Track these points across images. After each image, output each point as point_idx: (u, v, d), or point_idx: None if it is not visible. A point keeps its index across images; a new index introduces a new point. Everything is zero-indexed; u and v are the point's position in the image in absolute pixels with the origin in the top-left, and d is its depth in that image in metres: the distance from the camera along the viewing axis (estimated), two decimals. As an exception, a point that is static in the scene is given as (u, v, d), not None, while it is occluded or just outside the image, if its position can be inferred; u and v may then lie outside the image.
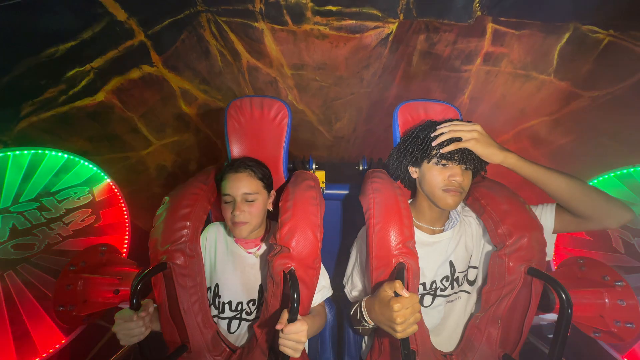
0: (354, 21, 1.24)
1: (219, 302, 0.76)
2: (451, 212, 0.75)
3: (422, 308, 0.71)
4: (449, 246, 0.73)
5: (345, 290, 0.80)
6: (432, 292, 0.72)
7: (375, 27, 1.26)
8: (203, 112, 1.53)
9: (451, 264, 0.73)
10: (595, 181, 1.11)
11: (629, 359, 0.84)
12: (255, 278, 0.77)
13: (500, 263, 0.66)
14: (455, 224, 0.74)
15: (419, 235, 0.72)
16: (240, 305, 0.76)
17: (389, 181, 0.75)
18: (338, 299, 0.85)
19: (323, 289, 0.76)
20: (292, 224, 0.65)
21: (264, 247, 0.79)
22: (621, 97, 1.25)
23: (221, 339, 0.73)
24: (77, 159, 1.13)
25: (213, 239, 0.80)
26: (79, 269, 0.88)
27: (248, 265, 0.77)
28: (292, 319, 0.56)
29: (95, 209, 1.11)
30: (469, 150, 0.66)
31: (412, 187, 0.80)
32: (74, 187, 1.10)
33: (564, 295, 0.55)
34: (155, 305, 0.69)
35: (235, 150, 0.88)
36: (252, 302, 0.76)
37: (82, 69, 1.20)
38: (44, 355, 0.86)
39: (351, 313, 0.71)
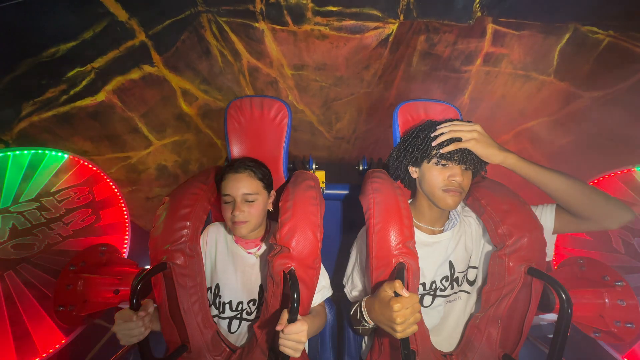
0: (354, 22, 1.25)
1: (219, 302, 0.76)
2: (451, 212, 0.75)
3: (422, 308, 0.71)
4: (448, 246, 0.73)
5: (345, 290, 0.79)
6: (432, 292, 0.72)
7: (376, 28, 1.26)
8: (203, 112, 1.54)
9: (451, 264, 0.73)
10: (595, 181, 1.11)
11: (629, 359, 0.84)
12: (255, 278, 0.77)
13: (500, 263, 0.66)
14: (455, 224, 0.74)
15: (418, 235, 0.72)
16: (240, 305, 0.76)
17: (389, 181, 0.75)
18: (338, 299, 0.85)
19: (323, 289, 0.76)
20: (292, 224, 0.65)
21: (264, 247, 0.79)
22: (621, 97, 1.25)
23: (221, 339, 0.73)
24: (77, 158, 1.13)
25: (213, 239, 0.80)
26: (79, 269, 0.88)
27: (248, 265, 0.77)
28: (292, 319, 0.56)
29: (95, 209, 1.11)
30: (469, 151, 0.66)
31: (412, 187, 0.80)
32: (74, 187, 1.10)
33: (564, 295, 0.55)
34: (155, 305, 0.69)
35: (235, 150, 0.88)
36: (252, 302, 0.76)
37: (83, 69, 1.20)
38: (44, 355, 0.86)
39: (351, 313, 0.71)
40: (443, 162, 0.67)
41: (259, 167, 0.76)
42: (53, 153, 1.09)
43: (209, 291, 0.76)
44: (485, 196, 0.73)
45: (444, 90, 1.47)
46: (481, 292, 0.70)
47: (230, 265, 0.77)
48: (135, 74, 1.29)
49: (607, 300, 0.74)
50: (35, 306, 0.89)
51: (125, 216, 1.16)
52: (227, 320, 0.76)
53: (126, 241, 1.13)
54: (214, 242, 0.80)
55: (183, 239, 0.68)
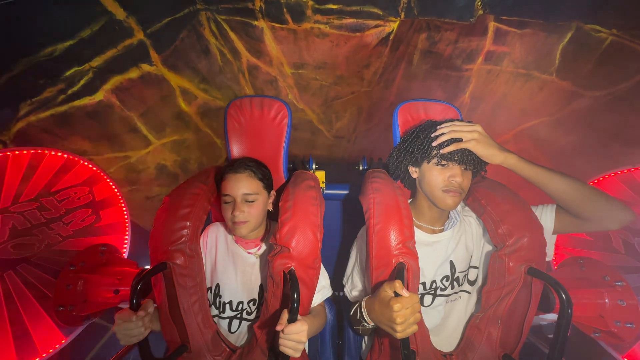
0: (354, 20, 1.24)
1: (219, 302, 0.76)
2: (451, 212, 0.75)
3: (422, 308, 0.71)
4: (449, 246, 0.73)
5: (345, 290, 0.80)
6: (432, 292, 0.72)
7: (376, 26, 1.25)
8: (203, 111, 1.53)
9: (451, 264, 0.73)
10: (596, 181, 1.11)
11: (629, 359, 0.84)
12: (255, 278, 0.77)
13: (500, 263, 0.66)
14: (455, 223, 0.74)
15: (418, 234, 0.72)
16: (240, 305, 0.76)
17: (389, 181, 0.75)
18: (338, 299, 0.85)
19: (323, 289, 0.76)
20: (292, 224, 0.65)
21: (264, 247, 0.79)
22: (623, 96, 1.24)
23: (221, 339, 0.73)
24: (77, 158, 1.12)
25: (213, 239, 0.80)
26: (79, 269, 0.88)
27: (248, 265, 0.77)
28: (292, 319, 0.56)
29: (95, 209, 1.11)
30: (469, 151, 0.65)
31: (412, 187, 0.79)
32: (74, 187, 1.09)
33: (564, 295, 0.55)
34: (155, 305, 0.69)
35: (235, 150, 0.87)
36: (252, 302, 0.76)
37: (81, 68, 1.19)
38: (44, 355, 0.87)
39: (351, 313, 0.71)
40: (443, 162, 0.67)
41: (259, 167, 0.76)
42: (53, 153, 1.09)
43: (209, 291, 0.76)
44: (485, 196, 0.73)
45: (445, 88, 1.46)
46: (481, 292, 0.70)
47: (231, 265, 0.77)
48: (133, 73, 1.28)
49: (607, 300, 0.74)
50: (35, 306, 0.89)
51: (125, 216, 1.16)
52: (228, 320, 0.76)
53: (126, 241, 1.13)
54: (214, 242, 0.79)
55: (183, 239, 0.68)
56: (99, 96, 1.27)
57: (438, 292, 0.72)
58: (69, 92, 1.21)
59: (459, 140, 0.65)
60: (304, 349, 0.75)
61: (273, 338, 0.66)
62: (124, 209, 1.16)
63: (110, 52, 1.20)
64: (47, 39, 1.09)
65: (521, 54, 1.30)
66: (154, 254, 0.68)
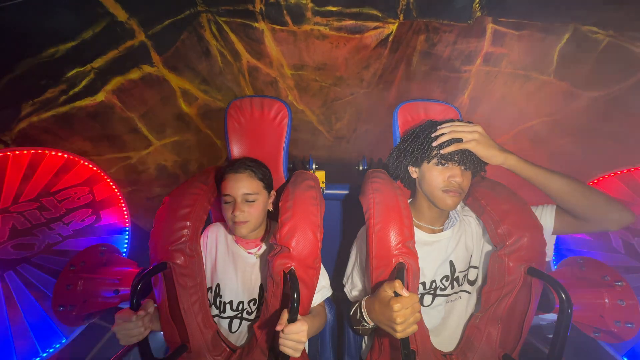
0: (354, 21, 1.25)
1: (220, 302, 0.76)
2: (450, 212, 0.75)
3: (422, 308, 0.71)
4: (448, 245, 0.73)
5: (345, 290, 0.79)
6: (432, 292, 0.72)
7: (376, 28, 1.26)
8: (203, 112, 1.54)
9: (451, 264, 0.73)
10: (595, 181, 1.11)
11: (629, 359, 0.84)
12: (255, 278, 0.77)
13: (500, 263, 0.66)
14: (455, 223, 0.74)
15: (418, 234, 0.72)
16: (241, 305, 0.76)
17: (389, 181, 0.75)
18: (338, 299, 0.85)
19: (323, 289, 0.76)
20: (292, 224, 0.65)
21: (264, 247, 0.79)
22: (621, 97, 1.25)
23: (221, 339, 0.73)
24: (77, 158, 1.12)
25: (214, 239, 0.80)
26: (79, 269, 0.88)
27: (249, 265, 0.77)
28: (292, 319, 0.56)
29: (95, 209, 1.11)
30: (469, 151, 0.66)
31: (412, 187, 0.80)
32: (74, 187, 1.09)
33: (563, 295, 0.55)
34: (155, 305, 0.69)
35: (235, 150, 0.88)
36: (252, 302, 0.76)
37: (83, 69, 1.20)
38: (44, 355, 0.86)
39: (351, 313, 0.71)
40: (443, 162, 0.67)
41: (259, 167, 0.76)
42: (53, 153, 1.09)
43: (210, 291, 0.76)
44: (485, 196, 0.73)
45: (443, 90, 1.47)
46: (481, 292, 0.70)
47: (231, 265, 0.77)
48: (134, 74, 1.29)
49: (607, 300, 0.74)
50: (35, 306, 0.89)
51: (125, 216, 1.16)
52: (228, 320, 0.76)
53: (126, 241, 1.13)
54: (214, 242, 0.80)
55: (183, 239, 0.68)
56: (100, 97, 1.28)
57: (438, 292, 0.72)
58: (71, 92, 1.22)
59: (459, 140, 0.65)
60: (304, 349, 0.75)
61: (273, 338, 0.66)
62: (124, 209, 1.16)
63: (111, 53, 1.21)
64: (49, 40, 1.10)
65: (519, 55, 1.31)
66: (154, 254, 0.69)
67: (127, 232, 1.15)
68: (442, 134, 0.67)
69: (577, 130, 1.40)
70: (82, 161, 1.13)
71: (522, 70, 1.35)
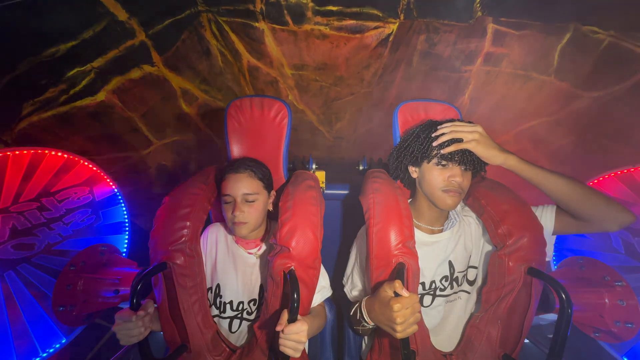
0: (354, 21, 1.24)
1: (220, 302, 0.76)
2: (450, 212, 0.75)
3: (422, 308, 0.71)
4: (448, 246, 0.73)
5: (345, 290, 0.80)
6: (432, 292, 0.72)
7: (376, 27, 1.26)
8: (203, 112, 1.54)
9: (450, 264, 0.73)
10: (595, 181, 1.11)
11: (629, 359, 0.84)
12: (255, 278, 0.77)
13: (500, 263, 0.66)
14: (455, 223, 0.74)
15: (418, 235, 0.72)
16: (241, 305, 0.76)
17: (389, 181, 0.75)
18: (338, 299, 0.85)
19: (323, 289, 0.76)
20: (292, 223, 0.65)
21: (264, 247, 0.79)
22: (621, 97, 1.25)
23: (221, 339, 0.73)
24: (77, 158, 1.13)
25: (214, 239, 0.80)
26: (79, 269, 0.88)
27: (249, 265, 0.77)
28: (292, 319, 0.56)
29: (95, 209, 1.11)
30: (470, 151, 0.66)
31: (412, 187, 0.80)
32: (74, 187, 1.10)
33: (564, 295, 0.55)
34: (156, 305, 0.69)
35: (235, 150, 0.88)
36: (253, 302, 0.76)
37: (83, 68, 1.20)
38: (44, 355, 0.86)
39: (351, 313, 0.71)
40: (443, 162, 0.67)
41: (259, 167, 0.76)
42: (53, 153, 1.09)
43: (210, 291, 0.76)
44: (485, 196, 0.73)
45: (444, 90, 1.47)
46: (481, 292, 0.70)
47: (231, 265, 0.77)
48: (135, 74, 1.29)
49: (607, 300, 0.74)
50: (35, 306, 0.89)
51: (125, 216, 1.16)
52: (228, 320, 0.76)
53: (126, 241, 1.13)
54: (214, 242, 0.80)
55: (183, 239, 0.68)
56: (100, 97, 1.28)
57: (437, 292, 0.72)
58: (71, 92, 1.22)
59: (460, 140, 0.65)
60: (304, 349, 0.74)
61: (273, 338, 0.66)
62: (124, 209, 1.17)
63: (112, 53, 1.21)
64: (50, 40, 1.10)
65: (520, 55, 1.31)
66: (154, 254, 0.69)
67: (127, 232, 1.15)
68: (443, 134, 0.67)
69: (577, 130, 1.40)
70: (82, 161, 1.13)
71: (523, 70, 1.35)
